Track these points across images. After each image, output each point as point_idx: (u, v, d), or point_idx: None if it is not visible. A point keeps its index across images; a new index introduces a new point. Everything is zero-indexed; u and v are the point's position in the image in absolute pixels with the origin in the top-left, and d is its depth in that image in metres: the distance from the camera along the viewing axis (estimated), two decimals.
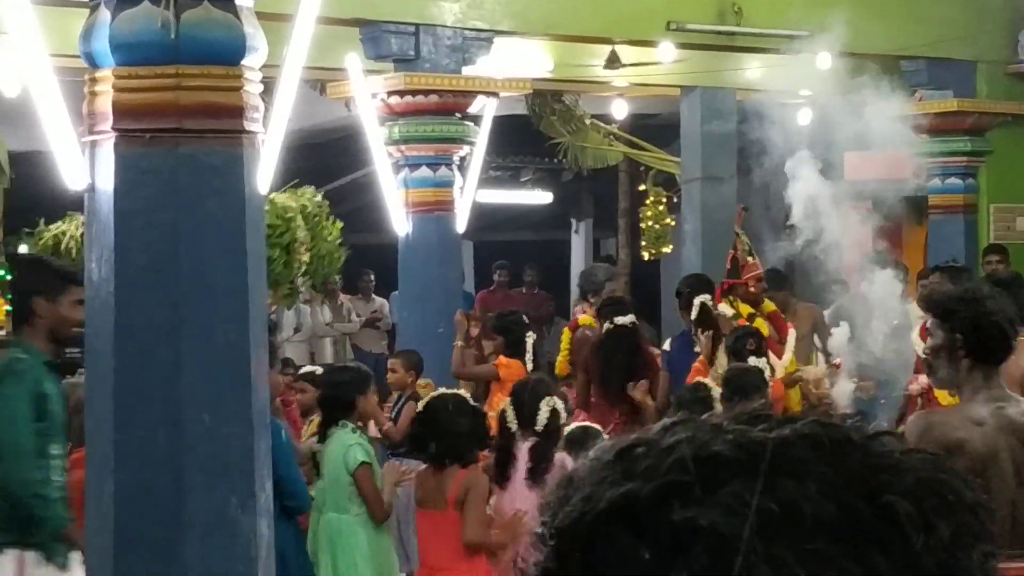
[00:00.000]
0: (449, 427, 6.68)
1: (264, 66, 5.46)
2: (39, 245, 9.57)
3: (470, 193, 11.35)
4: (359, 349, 15.14)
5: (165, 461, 5.16)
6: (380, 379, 8.70)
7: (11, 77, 10.04)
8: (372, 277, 15.77)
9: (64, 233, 9.53)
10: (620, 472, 1.00)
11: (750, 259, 9.23)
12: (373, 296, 15.77)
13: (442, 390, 7.36)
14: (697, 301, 9.28)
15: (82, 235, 9.07)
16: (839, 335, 9.35)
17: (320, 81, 11.62)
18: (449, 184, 11.14)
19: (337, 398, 7.23)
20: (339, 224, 9.96)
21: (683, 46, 12.60)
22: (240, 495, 5.22)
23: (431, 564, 6.87)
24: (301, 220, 9.30)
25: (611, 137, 16.28)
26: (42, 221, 9.89)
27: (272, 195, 9.16)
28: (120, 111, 5.12)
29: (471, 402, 6.97)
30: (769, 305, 9.30)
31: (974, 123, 13.20)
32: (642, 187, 17.32)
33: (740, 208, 9.76)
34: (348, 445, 7.08)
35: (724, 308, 9.46)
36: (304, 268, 9.41)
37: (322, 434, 7.31)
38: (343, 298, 15.29)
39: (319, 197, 9.88)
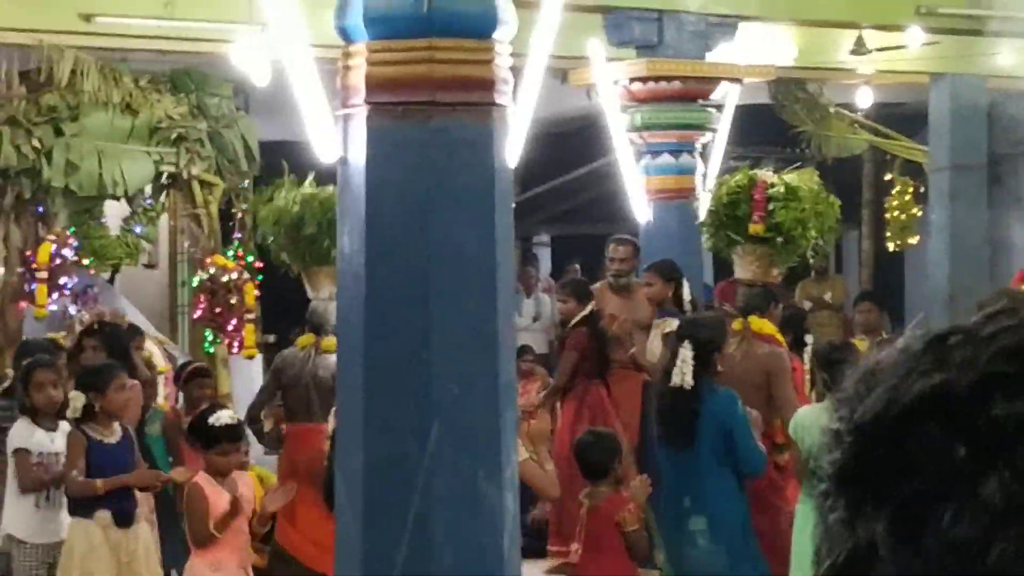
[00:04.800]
0: None
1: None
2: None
3: (711, 181, 11.25)
4: None
5: (414, 432, 5.19)
6: None
7: (263, 68, 10.30)
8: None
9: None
10: (931, 363, 0.91)
11: None
12: None
13: None
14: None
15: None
16: None
17: (562, 70, 11.65)
18: (691, 171, 11.07)
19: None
20: (837, 202, 9.78)
21: (932, 30, 12.28)
22: (487, 467, 5.22)
23: None
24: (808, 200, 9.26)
25: (856, 126, 15.96)
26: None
27: (772, 173, 9.20)
28: (373, 85, 5.16)
29: None
30: None
31: None
32: (888, 176, 16.95)
33: None
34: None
35: None
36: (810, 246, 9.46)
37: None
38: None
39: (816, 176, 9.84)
